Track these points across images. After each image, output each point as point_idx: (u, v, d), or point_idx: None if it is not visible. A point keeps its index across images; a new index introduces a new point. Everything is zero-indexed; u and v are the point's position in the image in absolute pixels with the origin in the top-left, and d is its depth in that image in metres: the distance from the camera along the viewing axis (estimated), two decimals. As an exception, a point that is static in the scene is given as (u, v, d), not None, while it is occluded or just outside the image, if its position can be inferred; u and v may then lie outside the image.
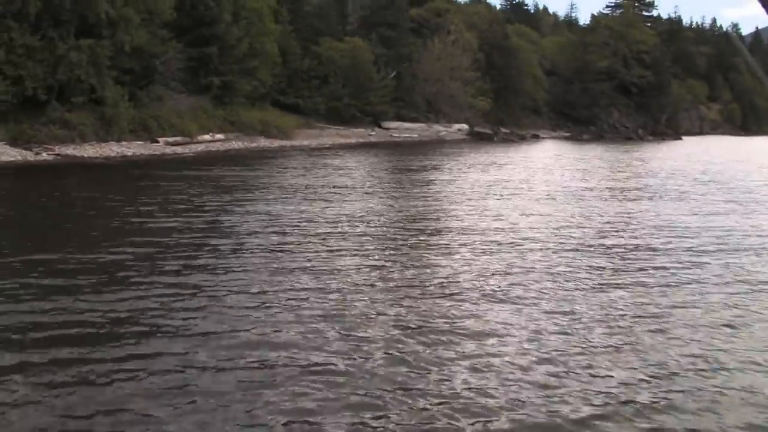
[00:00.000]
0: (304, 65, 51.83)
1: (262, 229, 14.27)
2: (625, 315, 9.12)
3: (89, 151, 30.16)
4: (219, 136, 39.37)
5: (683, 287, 10.69)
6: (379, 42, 58.53)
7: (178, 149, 34.43)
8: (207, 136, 38.20)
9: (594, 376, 7.02)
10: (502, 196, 21.65)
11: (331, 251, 12.33)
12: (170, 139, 35.02)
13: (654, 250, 13.59)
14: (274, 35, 47.02)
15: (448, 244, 13.57)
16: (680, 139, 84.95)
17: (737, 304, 9.78)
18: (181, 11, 37.82)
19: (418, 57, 62.15)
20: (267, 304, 9.05)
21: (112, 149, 31.30)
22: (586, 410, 6.25)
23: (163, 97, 37.65)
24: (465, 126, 64.48)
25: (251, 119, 42.98)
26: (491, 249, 13.08)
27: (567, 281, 10.79)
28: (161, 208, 16.84)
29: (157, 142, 34.28)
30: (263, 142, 41.59)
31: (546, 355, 7.56)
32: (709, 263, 12.40)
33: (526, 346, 7.83)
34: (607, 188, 25.22)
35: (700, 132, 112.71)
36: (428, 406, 6.20)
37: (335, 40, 54.81)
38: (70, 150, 29.47)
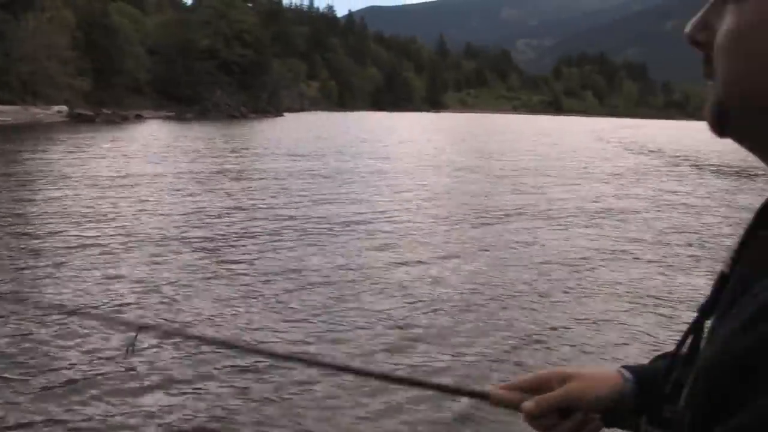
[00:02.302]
0: None
1: None
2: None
3: None
4: None
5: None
6: (-35, 19, 55.57)
7: None
8: None
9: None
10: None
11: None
12: None
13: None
14: None
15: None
16: (282, 115, 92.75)
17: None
18: None
19: (12, 35, 60.07)
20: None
21: None
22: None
23: None
24: (65, 108, 64.06)
25: None
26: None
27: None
28: None
29: None
30: None
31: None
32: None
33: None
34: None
35: (301, 109, 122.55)
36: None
37: None
38: None
